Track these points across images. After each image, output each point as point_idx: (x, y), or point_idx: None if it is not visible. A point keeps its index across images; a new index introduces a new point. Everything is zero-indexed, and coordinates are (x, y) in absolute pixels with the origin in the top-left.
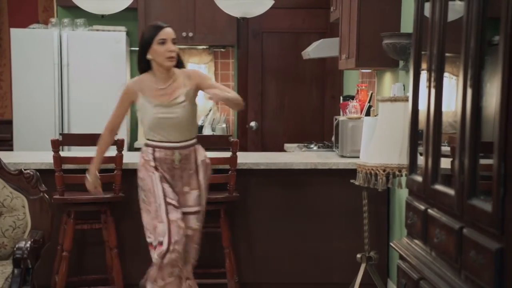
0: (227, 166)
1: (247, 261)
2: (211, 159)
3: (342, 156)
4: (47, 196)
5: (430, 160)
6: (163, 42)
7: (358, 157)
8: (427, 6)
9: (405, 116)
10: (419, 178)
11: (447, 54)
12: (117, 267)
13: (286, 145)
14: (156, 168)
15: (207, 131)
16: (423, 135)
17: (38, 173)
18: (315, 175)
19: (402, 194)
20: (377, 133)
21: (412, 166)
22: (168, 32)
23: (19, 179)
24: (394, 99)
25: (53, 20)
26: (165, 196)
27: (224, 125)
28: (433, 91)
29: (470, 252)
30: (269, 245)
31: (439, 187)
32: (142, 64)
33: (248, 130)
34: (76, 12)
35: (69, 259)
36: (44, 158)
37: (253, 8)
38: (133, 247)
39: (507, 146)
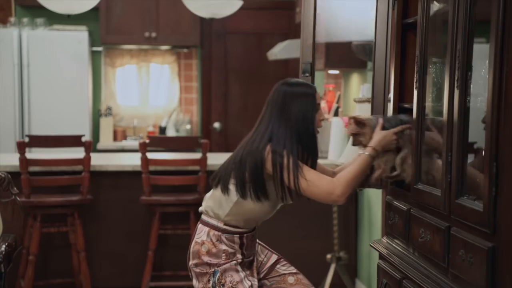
0: (196, 168)
1: None
2: (179, 160)
3: None
4: (19, 199)
5: (413, 160)
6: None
7: (326, 157)
8: None
9: None
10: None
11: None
12: (85, 270)
13: None
14: (243, 257)
15: (171, 133)
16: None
17: (9, 176)
18: None
19: (370, 194)
20: None
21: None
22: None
23: None
24: (370, 100)
25: (12, 19)
26: None
27: (188, 126)
28: (415, 91)
29: (459, 251)
30: None
31: (422, 187)
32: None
33: (212, 131)
34: (35, 11)
35: (35, 263)
36: (8, 160)
37: (222, 9)
38: (100, 250)
39: (498, 146)
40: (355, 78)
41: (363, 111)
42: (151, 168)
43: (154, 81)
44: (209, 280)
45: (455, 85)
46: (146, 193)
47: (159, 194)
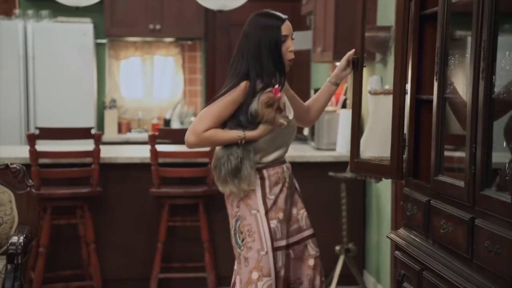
0: (205, 160)
1: (225, 255)
2: (188, 153)
3: (318, 149)
4: (34, 191)
5: (433, 151)
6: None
7: (335, 149)
8: None
9: None
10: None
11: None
12: (95, 262)
13: None
14: (264, 198)
15: (175, 125)
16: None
17: (24, 168)
18: (292, 168)
19: (379, 186)
20: (369, 126)
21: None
22: (288, 27)
23: (5, 173)
24: (387, 92)
25: (17, 11)
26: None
27: (193, 118)
28: (435, 83)
29: (485, 243)
30: None
31: (444, 178)
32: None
33: None
34: (39, 3)
35: (45, 254)
36: (17, 152)
37: (230, 1)
38: (109, 242)
39: None
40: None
41: (378, 104)
42: (160, 160)
43: (158, 73)
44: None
45: (480, 76)
46: (155, 185)
47: (168, 186)
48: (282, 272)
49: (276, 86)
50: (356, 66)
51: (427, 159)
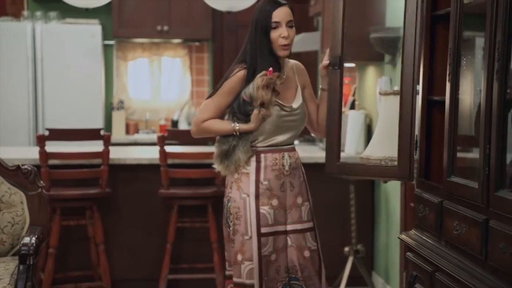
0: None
1: None
2: (197, 154)
3: None
4: (45, 192)
5: (446, 152)
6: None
7: (343, 150)
8: None
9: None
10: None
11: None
12: (104, 263)
13: None
14: (257, 183)
15: (183, 126)
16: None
17: (35, 169)
18: None
19: (388, 187)
20: (379, 126)
21: None
22: (281, 13)
23: (16, 174)
24: (397, 93)
25: (25, 12)
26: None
27: None
28: (448, 84)
29: (499, 244)
30: None
31: (456, 179)
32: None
33: None
34: (47, 4)
35: (55, 255)
36: (26, 153)
37: (239, 2)
38: (118, 243)
39: None
40: (371, 71)
41: (389, 104)
42: (169, 161)
43: (166, 74)
44: None
45: (494, 77)
46: (164, 186)
47: (177, 187)
48: (273, 257)
49: (271, 68)
50: (338, 65)
51: (438, 160)
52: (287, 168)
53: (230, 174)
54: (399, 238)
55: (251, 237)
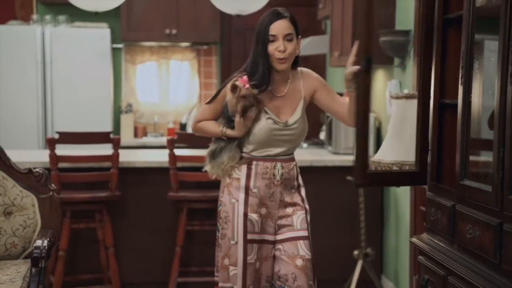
0: None
1: None
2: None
3: (335, 153)
4: (56, 195)
5: (458, 156)
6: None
7: (352, 153)
8: None
9: None
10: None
11: None
12: (114, 266)
13: None
14: (247, 189)
15: (191, 129)
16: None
17: (47, 172)
18: (310, 172)
19: (397, 190)
20: (391, 130)
21: None
22: (278, 26)
23: (28, 178)
24: (409, 96)
25: (35, 16)
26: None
27: None
28: (461, 87)
29: None
30: None
31: (469, 182)
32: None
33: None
34: (56, 8)
35: (65, 258)
36: (36, 157)
37: (249, 6)
38: (128, 246)
39: None
40: (380, 75)
41: (400, 108)
42: (178, 164)
43: (174, 77)
44: None
45: (508, 80)
46: (174, 189)
47: (186, 190)
48: (257, 265)
49: (245, 77)
50: (367, 66)
51: (450, 163)
52: (278, 178)
53: (216, 175)
54: (410, 241)
55: (237, 243)
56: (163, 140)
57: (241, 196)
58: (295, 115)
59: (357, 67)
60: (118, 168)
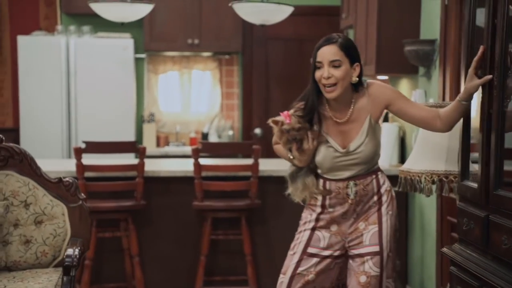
0: (248, 173)
1: (267, 268)
2: (232, 166)
3: None
4: (86, 204)
5: (493, 165)
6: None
7: None
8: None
9: None
10: (473, 184)
11: None
12: (139, 275)
13: None
14: (322, 208)
15: (213, 139)
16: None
17: (76, 181)
18: None
19: (422, 200)
20: (420, 139)
21: (465, 172)
22: (323, 52)
23: (58, 187)
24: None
25: (59, 27)
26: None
27: (230, 132)
28: (494, 96)
29: None
30: None
31: (504, 192)
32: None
33: (253, 137)
34: (80, 19)
35: (91, 267)
36: (62, 166)
37: (273, 15)
38: (152, 255)
39: None
40: (404, 84)
41: None
42: (202, 173)
43: (196, 87)
44: None
45: None
46: (198, 199)
47: (211, 199)
48: (311, 277)
49: (286, 112)
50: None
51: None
52: (352, 196)
53: (297, 198)
54: (441, 251)
55: (294, 253)
56: (185, 149)
57: (316, 211)
58: (357, 140)
59: (488, 77)
60: (144, 177)
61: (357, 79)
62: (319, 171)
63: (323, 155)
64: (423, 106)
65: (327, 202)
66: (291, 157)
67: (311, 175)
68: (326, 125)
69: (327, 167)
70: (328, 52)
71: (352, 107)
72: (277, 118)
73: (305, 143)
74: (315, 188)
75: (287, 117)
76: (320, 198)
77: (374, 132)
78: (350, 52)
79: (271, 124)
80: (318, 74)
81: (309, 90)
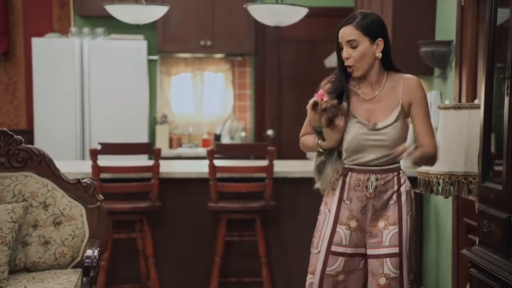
0: (263, 175)
1: (282, 270)
2: (246, 167)
3: None
4: (104, 205)
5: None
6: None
7: None
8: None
9: (470, 124)
10: (497, 186)
11: None
12: (154, 276)
13: (310, 153)
14: (340, 200)
15: (225, 140)
16: (503, 143)
17: (94, 182)
18: None
19: (438, 201)
20: (439, 140)
21: (485, 174)
22: (341, 34)
23: (77, 188)
24: (458, 107)
25: (73, 29)
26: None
27: (243, 134)
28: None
29: None
30: (304, 254)
31: None
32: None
33: (265, 138)
34: (93, 21)
35: (106, 268)
36: (76, 167)
37: (288, 17)
38: (168, 256)
39: None
40: None
41: (448, 119)
42: (217, 175)
43: (208, 89)
44: None
45: None
46: (213, 200)
47: (225, 201)
48: (340, 277)
49: (320, 91)
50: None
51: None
52: (371, 190)
53: (323, 190)
54: (461, 253)
55: (319, 252)
56: (198, 151)
57: (334, 206)
58: (387, 120)
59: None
60: (159, 178)
61: (381, 54)
62: (343, 159)
63: (351, 132)
64: (429, 131)
65: (345, 194)
66: (321, 142)
67: (340, 160)
68: (353, 102)
69: (354, 146)
70: (344, 33)
71: (382, 86)
72: (316, 99)
73: (336, 119)
74: (342, 171)
75: (323, 96)
76: (338, 189)
77: (403, 122)
78: (369, 29)
79: (310, 109)
80: (342, 55)
81: (337, 69)
